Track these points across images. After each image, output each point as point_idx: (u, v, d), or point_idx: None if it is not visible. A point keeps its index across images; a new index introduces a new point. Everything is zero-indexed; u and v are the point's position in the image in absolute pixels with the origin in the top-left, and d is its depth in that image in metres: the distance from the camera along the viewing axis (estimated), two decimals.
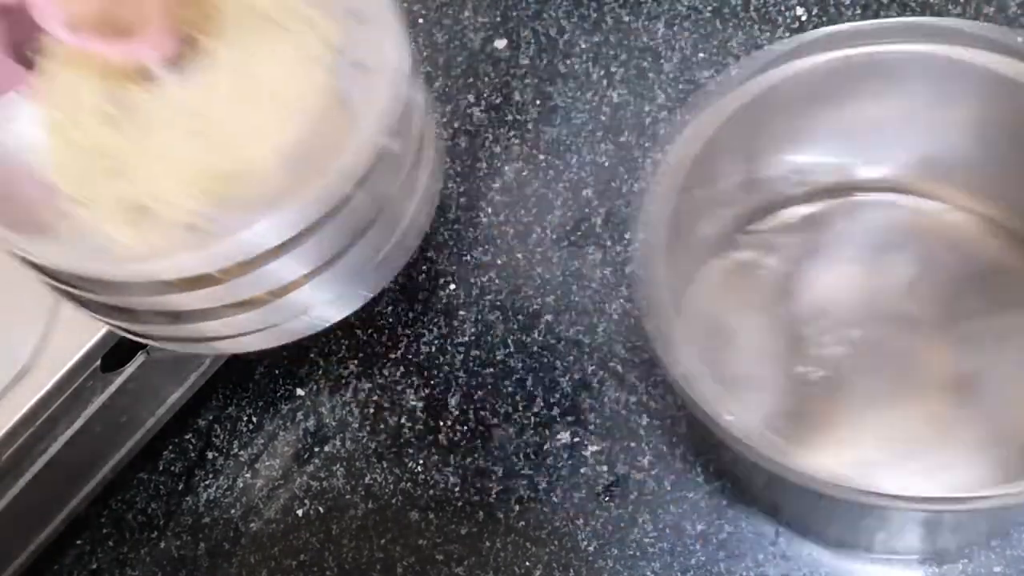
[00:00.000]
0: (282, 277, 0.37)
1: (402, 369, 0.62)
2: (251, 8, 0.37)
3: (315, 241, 0.36)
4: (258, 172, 0.35)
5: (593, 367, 0.60)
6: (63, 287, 0.37)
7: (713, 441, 0.41)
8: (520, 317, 0.62)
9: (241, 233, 0.34)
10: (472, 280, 0.64)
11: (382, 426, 0.61)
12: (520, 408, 0.60)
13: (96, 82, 0.35)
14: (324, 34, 0.37)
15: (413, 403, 0.61)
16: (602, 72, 0.66)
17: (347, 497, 0.62)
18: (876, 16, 0.63)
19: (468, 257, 0.65)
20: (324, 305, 0.41)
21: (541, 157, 0.66)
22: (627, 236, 0.63)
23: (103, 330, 0.50)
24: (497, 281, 0.64)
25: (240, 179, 0.35)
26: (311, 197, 0.34)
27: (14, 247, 0.36)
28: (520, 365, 0.61)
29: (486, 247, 0.65)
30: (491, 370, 0.61)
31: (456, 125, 0.68)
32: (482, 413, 0.60)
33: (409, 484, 0.60)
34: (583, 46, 0.67)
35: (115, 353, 0.52)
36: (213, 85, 0.35)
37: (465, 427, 0.60)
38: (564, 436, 0.59)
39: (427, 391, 0.61)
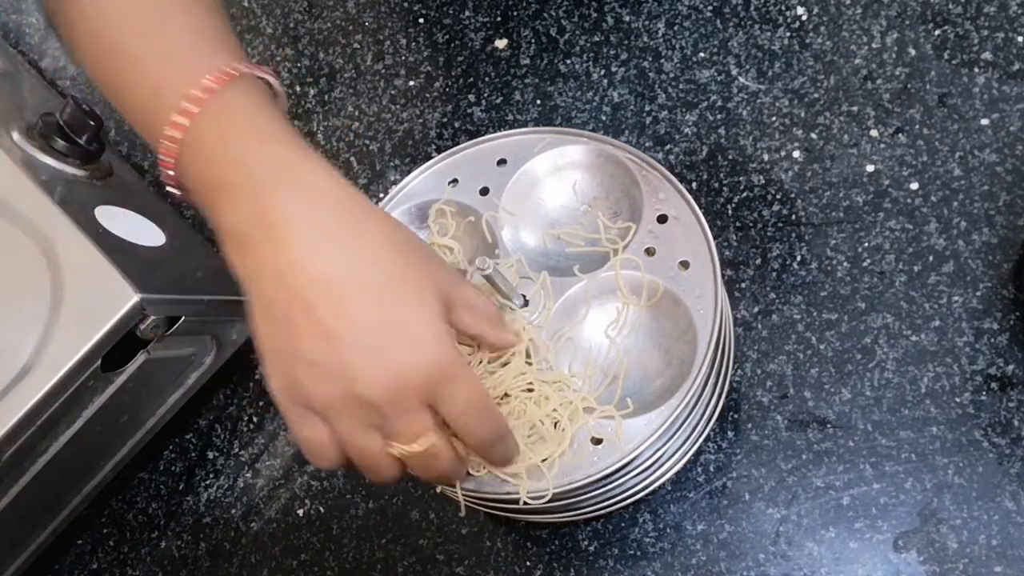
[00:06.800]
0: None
1: None
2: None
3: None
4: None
5: None
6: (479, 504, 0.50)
7: None
8: None
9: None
10: None
11: None
12: None
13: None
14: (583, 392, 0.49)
15: None
16: (602, 72, 0.66)
17: (347, 497, 0.62)
18: (876, 16, 0.63)
19: None
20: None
21: None
22: None
23: (103, 330, 0.50)
24: None
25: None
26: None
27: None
28: None
29: None
30: None
31: (456, 125, 0.68)
32: None
33: (409, 484, 0.60)
34: (583, 46, 0.67)
35: (115, 353, 0.53)
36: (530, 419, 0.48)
37: None
38: None
39: None
